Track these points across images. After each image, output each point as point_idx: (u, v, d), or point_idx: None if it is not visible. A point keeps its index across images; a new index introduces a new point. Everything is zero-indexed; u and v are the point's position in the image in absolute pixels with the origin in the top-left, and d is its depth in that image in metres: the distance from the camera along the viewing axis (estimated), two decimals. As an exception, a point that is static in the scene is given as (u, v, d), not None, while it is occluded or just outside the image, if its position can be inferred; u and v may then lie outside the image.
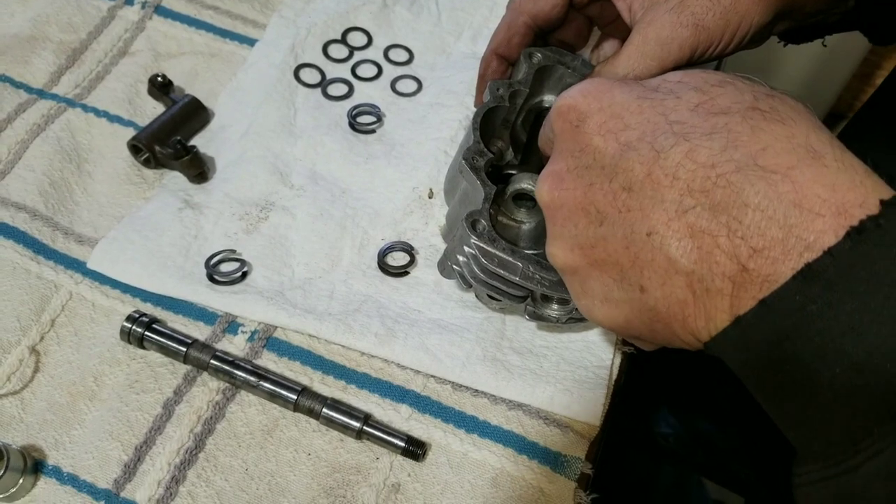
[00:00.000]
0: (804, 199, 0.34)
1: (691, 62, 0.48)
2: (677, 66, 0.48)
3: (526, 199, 0.52)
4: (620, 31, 0.58)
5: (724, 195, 0.36)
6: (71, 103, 0.67)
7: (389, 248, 0.59)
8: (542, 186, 0.42)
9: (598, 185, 0.40)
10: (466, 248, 0.48)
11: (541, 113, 0.57)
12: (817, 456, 0.35)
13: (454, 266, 0.51)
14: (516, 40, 0.54)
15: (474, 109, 0.66)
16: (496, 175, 0.52)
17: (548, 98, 0.56)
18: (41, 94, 0.68)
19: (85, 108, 0.67)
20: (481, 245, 0.47)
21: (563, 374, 0.53)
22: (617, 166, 0.39)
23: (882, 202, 0.33)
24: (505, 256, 0.47)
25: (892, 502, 0.32)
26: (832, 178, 0.34)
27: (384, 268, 0.58)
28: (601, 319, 0.42)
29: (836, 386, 0.33)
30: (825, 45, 0.60)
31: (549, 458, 0.51)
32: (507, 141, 0.56)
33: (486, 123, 0.52)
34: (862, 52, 1.62)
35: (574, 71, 0.55)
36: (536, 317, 0.50)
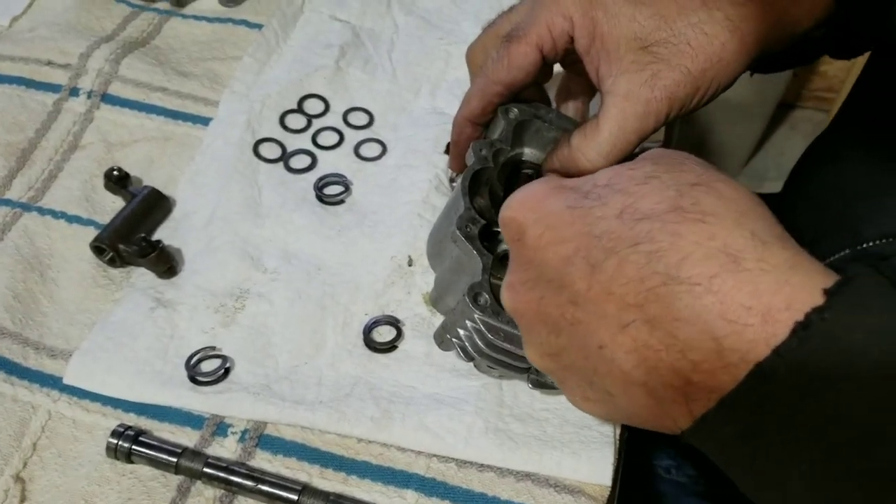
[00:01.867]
0: (729, 311, 0.34)
1: (666, 123, 0.49)
2: (655, 131, 0.49)
3: None
4: (581, 71, 0.57)
5: (656, 310, 0.36)
6: (26, 207, 0.65)
7: (374, 323, 0.58)
8: (504, 296, 0.43)
9: (548, 298, 0.40)
10: (469, 323, 0.47)
11: (517, 166, 0.56)
12: None
13: (454, 339, 0.50)
14: (490, 108, 0.54)
15: (444, 168, 0.65)
16: (481, 234, 0.51)
17: (526, 151, 0.55)
18: (-7, 201, 0.65)
19: (41, 210, 0.65)
20: (486, 320, 0.46)
21: (567, 437, 0.52)
22: (561, 280, 0.39)
23: (826, 291, 0.33)
24: (511, 330, 0.46)
25: None
26: (754, 283, 0.34)
27: (371, 345, 0.57)
28: (586, 411, 0.43)
29: (806, 480, 0.33)
30: (797, 76, 0.61)
31: (565, 528, 0.49)
32: (486, 197, 0.55)
33: (471, 185, 0.51)
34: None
35: (550, 124, 0.54)
36: (539, 385, 0.49)
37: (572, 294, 0.39)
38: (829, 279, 0.33)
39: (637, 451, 0.74)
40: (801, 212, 0.63)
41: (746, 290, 0.34)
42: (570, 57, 0.53)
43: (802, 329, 0.32)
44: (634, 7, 0.47)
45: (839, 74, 1.89)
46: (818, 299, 0.33)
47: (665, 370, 0.36)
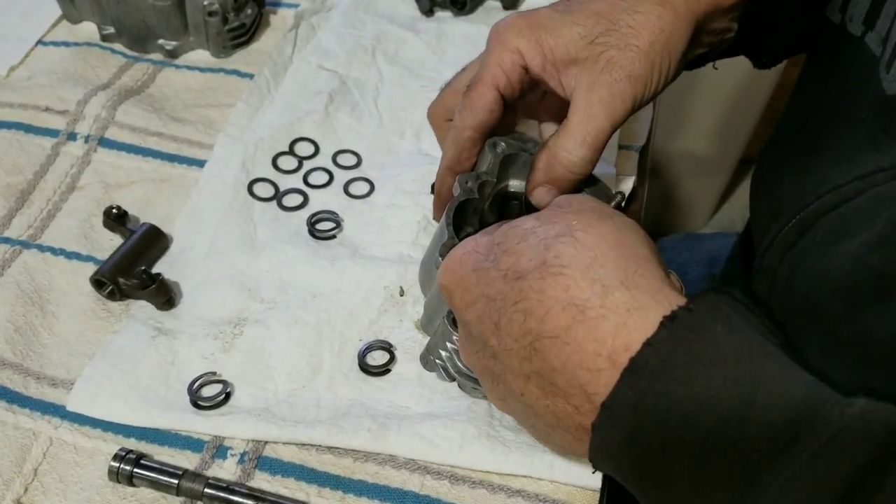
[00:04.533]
0: (584, 360, 0.38)
1: (635, 108, 0.52)
2: (626, 116, 0.52)
3: None
4: (548, 110, 0.60)
5: (539, 363, 0.40)
6: (26, 245, 0.67)
7: (368, 348, 0.60)
8: (460, 352, 0.49)
9: (480, 353, 0.45)
10: (449, 344, 0.50)
11: (507, 196, 0.59)
12: None
13: (436, 360, 0.53)
14: (465, 155, 0.57)
15: (430, 209, 0.68)
16: None
17: (513, 183, 0.58)
18: (-7, 239, 0.67)
19: (41, 247, 0.67)
20: None
21: (556, 449, 0.54)
22: (481, 337, 0.44)
23: (690, 297, 0.37)
24: None
25: None
26: (598, 330, 0.38)
27: (365, 368, 0.59)
28: (548, 448, 0.50)
29: (688, 472, 0.36)
30: (716, 68, 0.64)
31: (557, 537, 0.51)
32: (476, 227, 0.58)
33: (458, 215, 0.54)
34: (763, 101, 1.73)
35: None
36: None
37: (491, 349, 0.43)
38: (669, 310, 0.37)
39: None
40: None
41: (594, 336, 0.37)
42: (532, 95, 0.57)
43: (669, 321, 0.36)
44: (570, 15, 0.52)
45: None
46: (648, 332, 0.36)
47: (562, 414, 0.40)
